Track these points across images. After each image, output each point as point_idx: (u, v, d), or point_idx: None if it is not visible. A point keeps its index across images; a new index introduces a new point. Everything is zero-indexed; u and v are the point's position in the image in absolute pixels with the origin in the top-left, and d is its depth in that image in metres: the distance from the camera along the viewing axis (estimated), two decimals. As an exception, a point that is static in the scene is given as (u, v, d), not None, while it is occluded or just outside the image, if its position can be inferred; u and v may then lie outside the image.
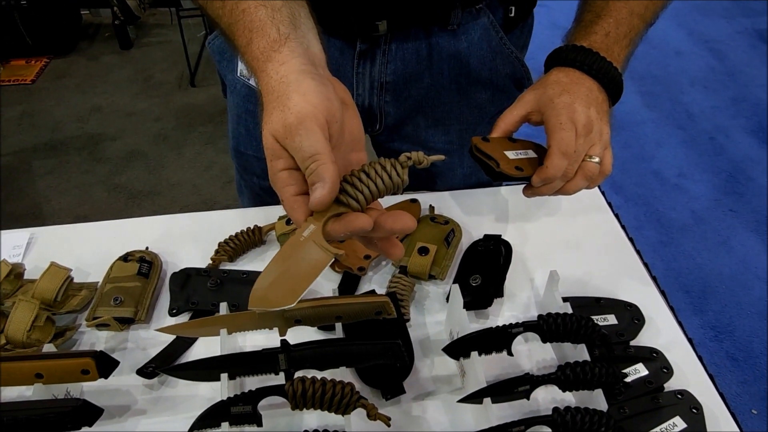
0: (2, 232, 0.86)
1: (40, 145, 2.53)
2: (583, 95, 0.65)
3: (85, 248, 0.84)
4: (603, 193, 0.92)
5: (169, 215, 0.91)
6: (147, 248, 0.82)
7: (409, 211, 0.82)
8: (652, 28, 0.73)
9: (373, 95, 0.85)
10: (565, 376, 0.60)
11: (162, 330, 0.64)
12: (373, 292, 0.73)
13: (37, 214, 2.20)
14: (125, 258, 0.79)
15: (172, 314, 0.74)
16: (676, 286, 1.87)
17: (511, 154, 0.69)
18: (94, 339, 0.73)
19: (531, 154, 0.70)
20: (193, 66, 2.85)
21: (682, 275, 1.92)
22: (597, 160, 0.66)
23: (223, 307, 0.66)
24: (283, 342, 0.60)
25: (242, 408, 0.58)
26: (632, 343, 0.69)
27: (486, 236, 0.81)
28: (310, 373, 0.60)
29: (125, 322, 0.73)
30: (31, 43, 2.94)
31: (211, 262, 0.81)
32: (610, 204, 0.90)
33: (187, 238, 0.85)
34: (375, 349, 0.62)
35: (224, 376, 0.61)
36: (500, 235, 0.80)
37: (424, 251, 0.77)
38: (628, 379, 0.64)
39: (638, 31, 0.71)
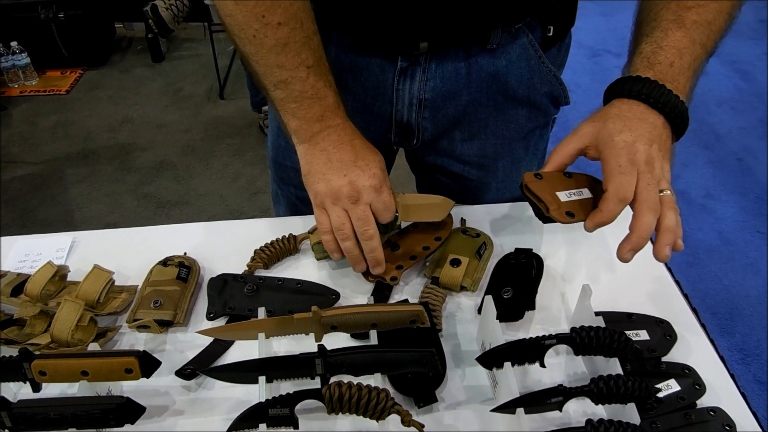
0: (46, 235, 0.89)
1: (73, 154, 2.60)
2: (647, 132, 0.62)
3: (124, 253, 0.87)
4: (633, 210, 0.92)
5: (205, 222, 0.93)
6: (185, 254, 0.85)
7: (440, 224, 0.84)
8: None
9: (411, 111, 0.87)
10: (598, 389, 0.60)
11: (202, 332, 0.66)
12: (406, 302, 0.74)
13: (69, 221, 2.25)
14: (165, 263, 0.81)
15: (209, 318, 0.76)
16: (703, 307, 1.85)
17: (563, 195, 0.65)
18: (133, 340, 0.76)
19: (586, 194, 0.66)
20: (223, 79, 2.92)
21: (709, 296, 1.90)
22: (669, 192, 0.63)
23: (261, 312, 0.68)
24: (320, 347, 0.62)
25: (280, 410, 0.59)
26: (664, 359, 0.69)
27: (517, 250, 0.82)
28: (345, 379, 0.61)
29: (164, 325, 0.75)
30: (67, 55, 3.03)
31: (246, 268, 0.83)
32: (640, 221, 0.90)
33: (223, 245, 0.87)
34: (409, 357, 0.63)
35: (262, 378, 0.62)
36: (531, 249, 0.81)
37: (456, 263, 0.78)
38: (660, 395, 0.64)
39: (701, 60, 0.67)
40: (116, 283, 0.81)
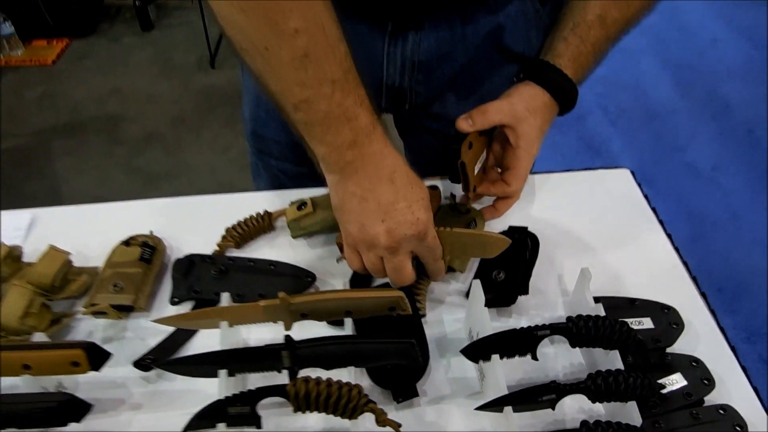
0: (2, 212, 0.83)
1: (60, 126, 2.52)
2: (545, 129, 0.72)
3: (89, 231, 0.80)
4: (639, 185, 0.85)
5: (178, 198, 0.87)
6: (151, 232, 0.78)
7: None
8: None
9: (404, 75, 0.80)
10: (595, 386, 0.54)
11: (159, 321, 0.59)
12: (387, 286, 0.67)
13: (56, 195, 2.19)
14: (127, 242, 0.75)
15: (173, 303, 0.70)
16: (708, 284, 1.76)
17: (477, 167, 0.72)
18: (92, 327, 0.70)
19: (483, 157, 0.73)
20: (214, 48, 2.81)
21: (714, 273, 1.83)
22: None
23: (225, 298, 0.62)
24: (287, 338, 0.56)
25: (240, 408, 0.53)
26: (669, 349, 0.63)
27: (511, 228, 0.75)
28: (317, 372, 0.55)
29: (124, 310, 0.69)
30: (53, 23, 2.92)
31: (217, 248, 0.76)
32: (647, 197, 0.83)
33: (196, 223, 0.81)
34: (386, 349, 0.57)
35: (223, 372, 0.56)
36: (526, 228, 0.75)
37: None
38: (665, 391, 0.58)
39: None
40: (78, 264, 0.74)
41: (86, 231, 0.80)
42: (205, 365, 0.57)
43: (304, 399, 0.53)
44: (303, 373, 0.56)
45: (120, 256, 0.74)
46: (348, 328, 0.60)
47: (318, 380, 0.53)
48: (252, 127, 0.94)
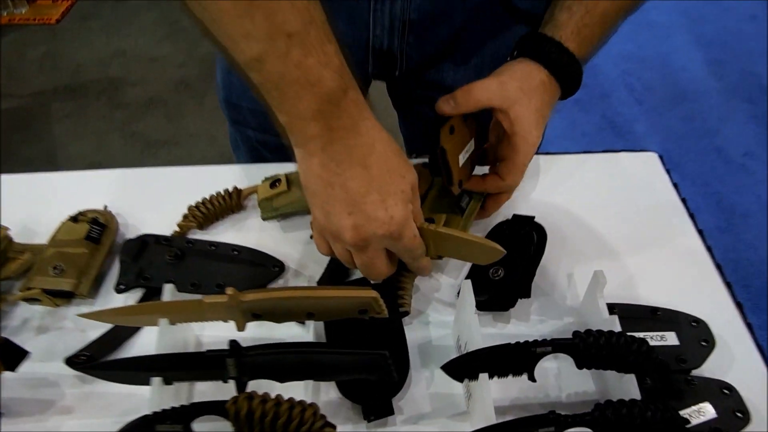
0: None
1: (60, 87, 2.44)
2: (547, 116, 0.61)
3: (39, 202, 0.72)
4: (668, 171, 0.73)
5: (147, 168, 0.77)
6: (105, 207, 0.69)
7: (420, 176, 0.66)
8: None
9: (393, 36, 0.69)
10: (604, 419, 0.44)
11: (84, 316, 0.50)
12: (363, 282, 0.57)
13: (52, 160, 2.11)
14: (75, 218, 0.66)
15: (118, 291, 0.61)
16: (734, 279, 1.66)
17: (462, 157, 0.61)
18: (28, 314, 0.61)
19: (471, 146, 0.63)
20: (222, 11, 2.69)
21: (741, 268, 1.71)
22: None
23: (168, 290, 0.52)
24: (233, 343, 0.46)
25: (171, 427, 0.44)
26: (696, 372, 0.53)
27: (515, 216, 0.65)
28: (272, 386, 0.46)
29: (65, 296, 0.60)
30: (58, -21, 2.82)
31: (177, 229, 0.67)
32: (676, 186, 0.72)
33: (164, 198, 0.71)
34: (352, 360, 0.47)
35: (156, 381, 0.47)
36: (533, 217, 0.64)
37: (429, 222, 0.60)
38: (690, 425, 0.48)
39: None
40: (22, 240, 0.66)
41: (37, 202, 0.72)
42: (134, 371, 0.48)
43: (246, 419, 0.43)
44: (256, 385, 0.47)
45: (65, 233, 0.65)
46: (310, 333, 0.50)
47: (265, 397, 0.44)
48: (224, 94, 0.84)
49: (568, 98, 0.63)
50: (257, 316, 0.49)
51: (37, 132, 2.24)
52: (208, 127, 2.23)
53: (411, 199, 0.50)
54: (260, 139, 0.85)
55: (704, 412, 0.49)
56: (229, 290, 0.48)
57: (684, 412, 0.49)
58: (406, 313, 0.59)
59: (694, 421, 0.48)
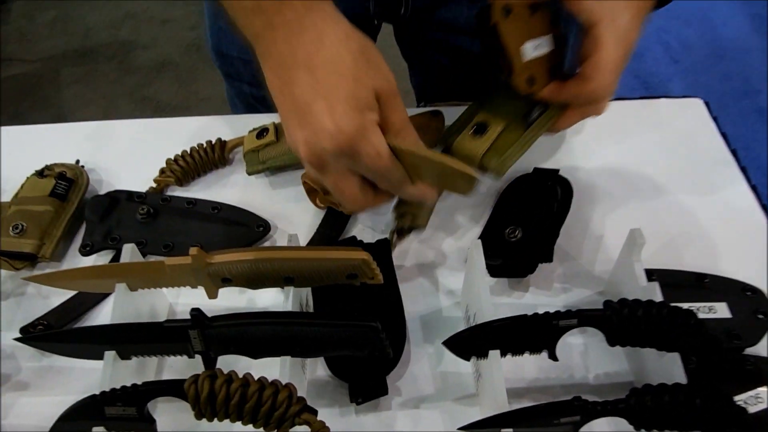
0: None
1: (70, 51, 2.39)
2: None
3: (7, 157, 0.65)
4: (715, 119, 0.64)
5: (126, 120, 0.70)
6: (78, 162, 0.62)
7: (428, 127, 0.58)
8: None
9: None
10: (641, 407, 0.36)
11: (29, 279, 0.44)
12: (354, 242, 0.50)
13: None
14: (42, 172, 0.59)
15: (83, 252, 0.54)
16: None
17: (529, 49, 0.46)
18: (-12, 277, 0.55)
19: (547, 45, 0.48)
20: (234, -30, 2.60)
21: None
22: None
23: (128, 250, 0.45)
24: (195, 312, 0.39)
25: (123, 409, 0.38)
26: (751, 350, 0.44)
27: (536, 170, 0.56)
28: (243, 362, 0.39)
29: (26, 259, 0.54)
30: (67, -59, 2.75)
31: (154, 185, 0.60)
32: (725, 135, 0.62)
33: (147, 152, 0.64)
34: (337, 333, 0.40)
35: (110, 355, 0.40)
36: (557, 171, 0.55)
37: (481, 130, 0.50)
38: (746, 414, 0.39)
39: None
40: (-12, 197, 0.59)
41: (5, 157, 0.65)
42: (85, 343, 0.41)
43: (207, 402, 0.36)
44: (226, 361, 0.40)
45: (30, 189, 0.58)
46: (290, 300, 0.43)
47: (230, 377, 0.37)
48: (213, 43, 0.76)
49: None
50: (226, 281, 0.42)
51: (47, 97, 2.19)
52: (220, 92, 2.15)
53: (371, 108, 0.40)
54: (257, 95, 0.78)
55: (762, 397, 0.41)
56: (193, 250, 0.41)
57: (738, 398, 0.40)
58: (420, 228, 0.52)
59: (751, 409, 0.40)
